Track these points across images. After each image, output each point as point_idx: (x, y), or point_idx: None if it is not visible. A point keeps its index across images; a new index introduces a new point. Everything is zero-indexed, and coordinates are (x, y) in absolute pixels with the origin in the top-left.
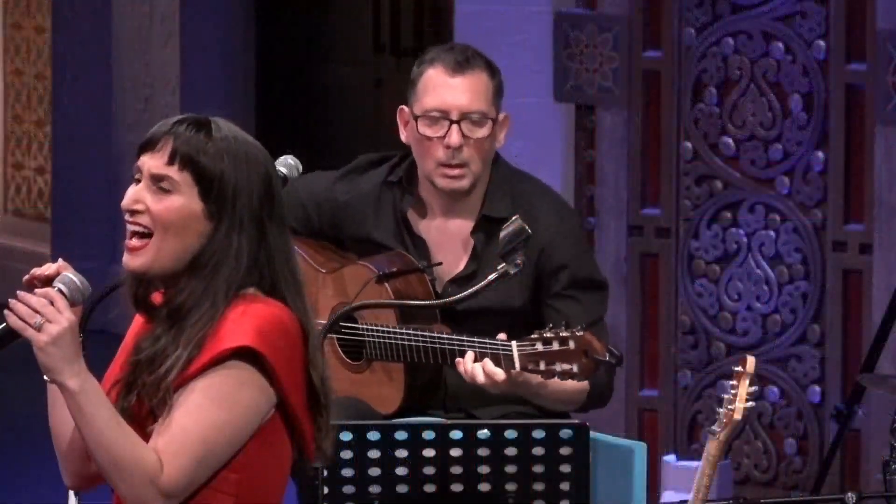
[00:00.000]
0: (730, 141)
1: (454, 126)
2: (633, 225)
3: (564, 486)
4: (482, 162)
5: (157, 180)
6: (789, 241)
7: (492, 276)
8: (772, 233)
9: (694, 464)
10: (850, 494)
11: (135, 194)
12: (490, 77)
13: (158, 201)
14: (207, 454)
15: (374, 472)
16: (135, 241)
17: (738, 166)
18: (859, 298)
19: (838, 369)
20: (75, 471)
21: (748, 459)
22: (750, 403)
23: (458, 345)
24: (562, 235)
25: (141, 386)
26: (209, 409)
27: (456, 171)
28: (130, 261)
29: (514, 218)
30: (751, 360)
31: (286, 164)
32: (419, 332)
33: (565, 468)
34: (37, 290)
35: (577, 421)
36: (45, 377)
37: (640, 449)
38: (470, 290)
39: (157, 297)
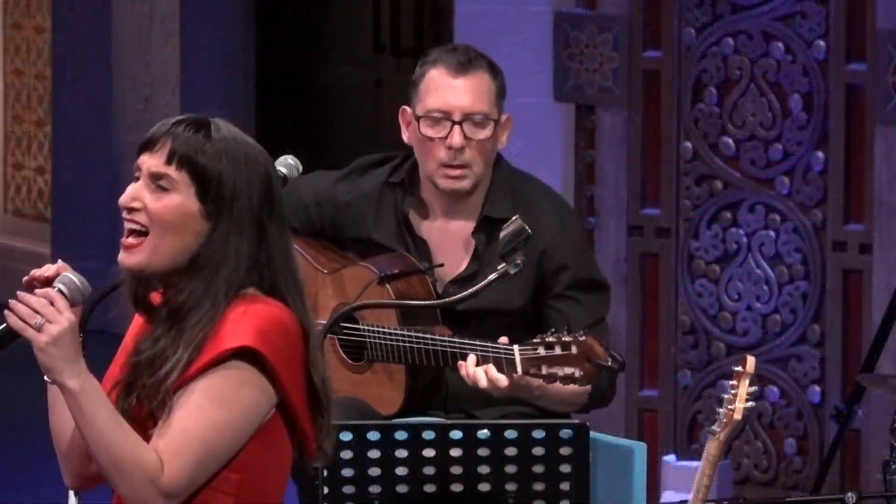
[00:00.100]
0: (730, 141)
1: (456, 127)
2: (633, 225)
3: (564, 486)
4: (484, 163)
5: (155, 179)
6: (789, 241)
7: (492, 276)
8: (772, 233)
9: (694, 464)
10: (850, 494)
11: (133, 192)
12: (492, 78)
13: (156, 199)
14: (208, 454)
15: (374, 472)
16: (131, 240)
17: (738, 166)
18: (859, 298)
19: (838, 369)
20: (76, 471)
21: (748, 459)
22: (750, 403)
23: (460, 348)
24: (563, 236)
25: (141, 388)
26: (209, 410)
27: (457, 172)
28: (126, 258)
29: (514, 218)
30: (751, 360)
31: (286, 164)
32: (421, 335)
33: (565, 468)
34: (37, 291)
35: (577, 421)
36: (45, 378)
37: (640, 449)
38: (470, 291)
39: (156, 298)
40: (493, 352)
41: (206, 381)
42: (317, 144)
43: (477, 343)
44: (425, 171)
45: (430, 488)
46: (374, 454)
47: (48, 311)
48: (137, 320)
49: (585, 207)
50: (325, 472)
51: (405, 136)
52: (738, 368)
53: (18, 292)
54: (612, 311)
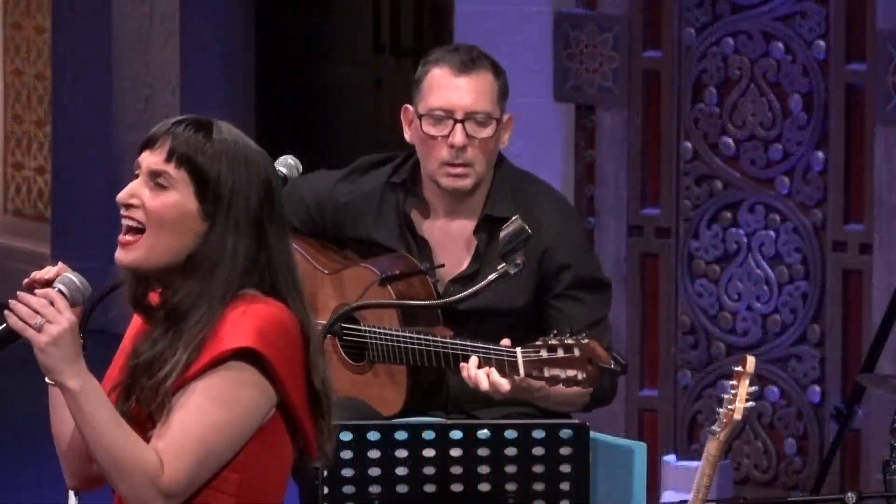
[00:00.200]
0: (730, 141)
1: (458, 125)
2: (633, 225)
3: (564, 486)
4: (486, 162)
5: (154, 176)
6: (789, 241)
7: (492, 277)
8: (772, 233)
9: (694, 464)
10: (850, 494)
11: (131, 189)
12: (495, 78)
13: (154, 197)
14: (208, 454)
15: (374, 472)
16: (128, 237)
17: (738, 166)
18: (859, 298)
19: (838, 369)
20: (77, 472)
21: (748, 459)
22: (750, 403)
23: (462, 349)
24: (565, 236)
25: (139, 390)
26: (209, 410)
27: (459, 171)
28: (123, 256)
29: (514, 218)
30: (751, 360)
31: (286, 164)
32: (422, 336)
33: (565, 468)
34: (37, 291)
35: (577, 421)
36: (46, 380)
37: (640, 449)
38: (470, 291)
39: (154, 298)
40: (495, 354)
41: (205, 381)
42: (317, 144)
43: (479, 345)
44: (427, 170)
45: (430, 488)
46: (374, 454)
47: (48, 312)
48: (136, 321)
49: (585, 207)
50: (325, 472)
51: (407, 135)
52: (738, 368)
53: (18, 292)
54: (613, 311)
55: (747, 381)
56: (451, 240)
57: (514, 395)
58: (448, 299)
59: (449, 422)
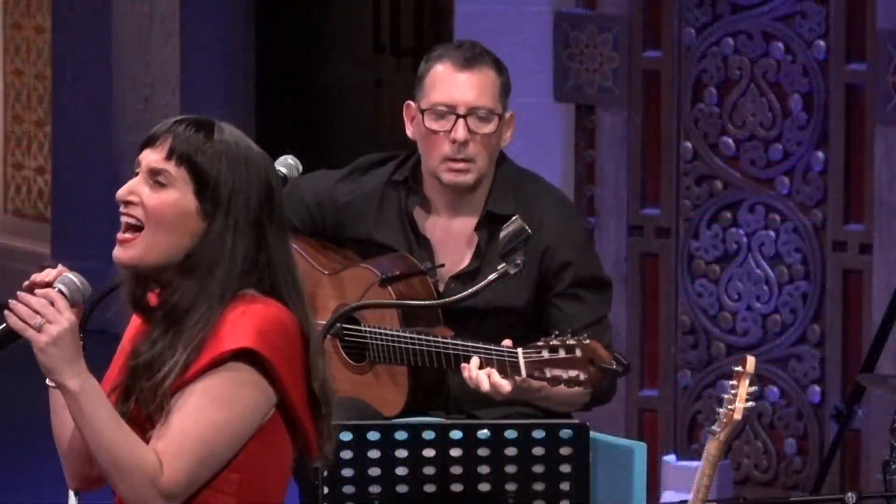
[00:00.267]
0: (730, 141)
1: (461, 121)
2: (633, 225)
3: (564, 486)
4: (488, 158)
5: (153, 174)
6: (789, 241)
7: (492, 277)
8: (772, 233)
9: (694, 464)
10: (850, 494)
11: (130, 186)
12: (498, 74)
13: (153, 195)
14: (208, 454)
15: (374, 472)
16: (126, 235)
17: (738, 166)
18: (859, 298)
19: (838, 369)
20: (78, 473)
21: (748, 459)
22: (750, 403)
23: (463, 350)
24: (566, 234)
25: (139, 391)
26: (209, 410)
27: (461, 165)
28: (121, 253)
29: (514, 218)
30: (751, 360)
31: (286, 164)
32: (423, 337)
33: (565, 468)
34: (37, 291)
35: (577, 421)
36: (47, 382)
37: (640, 449)
38: (469, 291)
39: (152, 299)
40: (496, 354)
41: (205, 382)
42: (317, 144)
43: (480, 345)
44: (429, 166)
45: (430, 488)
46: (374, 454)
47: (48, 312)
48: (135, 322)
49: (585, 207)
50: (325, 472)
51: (409, 132)
52: (738, 368)
53: (18, 292)
54: (613, 311)
55: (747, 381)
56: (452, 237)
57: (515, 395)
58: (448, 299)
59: (449, 422)
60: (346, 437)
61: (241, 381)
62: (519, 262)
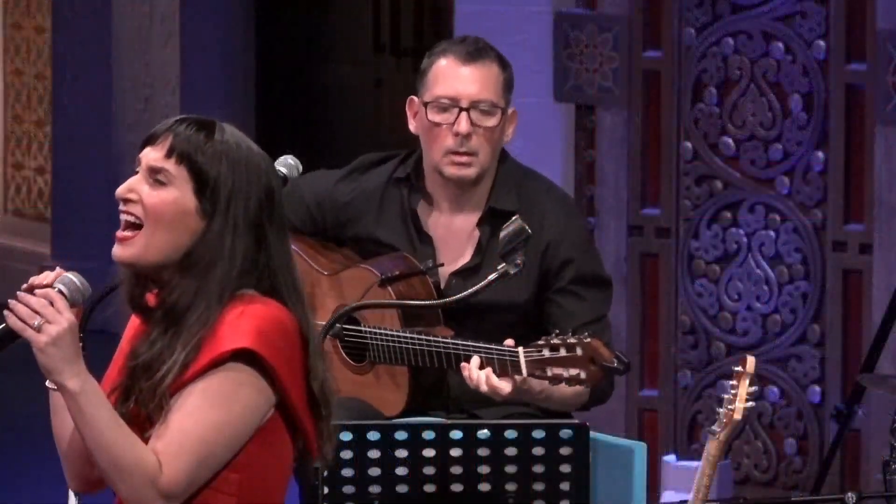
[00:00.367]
0: (730, 141)
1: (463, 114)
2: (633, 225)
3: (564, 486)
4: (490, 151)
5: (153, 172)
6: (789, 241)
7: (492, 277)
8: (772, 233)
9: (694, 464)
10: (850, 494)
11: (130, 184)
12: (501, 69)
13: (152, 193)
14: (207, 455)
15: (374, 472)
16: (125, 232)
17: (738, 166)
18: (859, 298)
19: (838, 369)
20: (79, 474)
21: (748, 459)
22: (750, 403)
23: (464, 350)
24: (568, 232)
25: (138, 392)
26: (208, 410)
27: (464, 159)
28: (120, 251)
29: (514, 218)
30: (751, 360)
31: (286, 164)
32: (423, 337)
33: (565, 468)
34: (37, 291)
35: (577, 421)
36: (46, 384)
37: (640, 449)
38: (469, 291)
39: (151, 299)
40: (497, 354)
41: (204, 382)
42: (317, 144)
43: (481, 345)
44: (431, 160)
45: (430, 488)
46: (374, 454)
47: (48, 312)
48: (133, 323)
49: (585, 207)
50: (325, 472)
51: (412, 126)
52: (738, 368)
53: (18, 292)
54: (613, 311)
55: (747, 381)
56: (454, 234)
57: (516, 396)
58: (448, 299)
59: (449, 422)
60: (346, 437)
61: (241, 381)
62: (519, 262)
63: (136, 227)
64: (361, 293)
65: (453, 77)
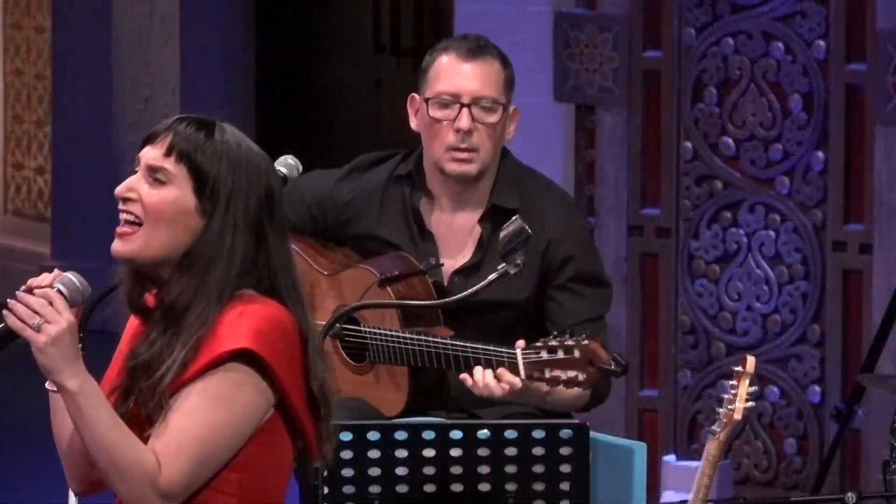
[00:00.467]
0: (730, 141)
1: (465, 110)
2: (633, 225)
3: (564, 486)
4: (492, 148)
5: (153, 171)
6: (789, 241)
7: (492, 277)
8: (772, 233)
9: (694, 464)
10: (850, 494)
11: (129, 183)
12: (503, 67)
13: (152, 192)
14: (206, 455)
15: (374, 472)
16: (126, 228)
17: (738, 166)
18: (859, 298)
19: (838, 369)
20: (80, 476)
21: (748, 459)
22: (750, 403)
23: (462, 350)
24: (569, 229)
25: (138, 392)
26: (207, 411)
27: (465, 155)
28: (120, 246)
29: (514, 218)
30: (751, 360)
31: (286, 164)
32: (423, 337)
33: (565, 468)
34: (36, 291)
35: (577, 421)
36: (46, 386)
37: (640, 449)
38: (469, 291)
39: (150, 300)
40: (495, 355)
41: (203, 382)
42: (317, 144)
43: (479, 346)
44: (432, 157)
45: (430, 488)
46: (374, 454)
47: (47, 312)
48: (132, 324)
49: (585, 207)
50: (325, 472)
51: (413, 124)
52: (738, 368)
53: (17, 292)
54: (612, 311)
55: (747, 381)
56: (456, 231)
57: (520, 397)
58: (448, 299)
59: (449, 422)
60: (346, 437)
61: (240, 381)
62: (519, 262)
63: (135, 225)
64: (361, 293)
65: (455, 73)
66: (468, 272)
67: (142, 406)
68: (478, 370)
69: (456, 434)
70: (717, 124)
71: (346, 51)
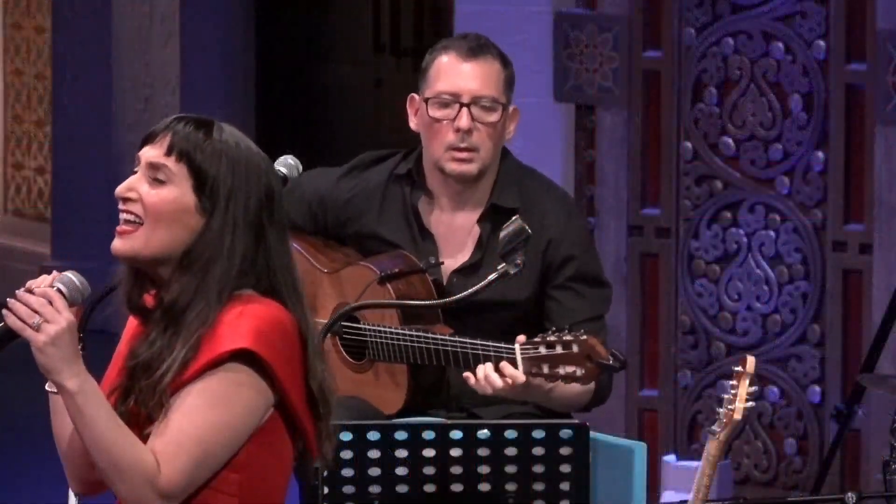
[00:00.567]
0: (730, 141)
1: (464, 109)
2: (633, 225)
3: (564, 486)
4: (492, 148)
5: (153, 171)
6: (789, 241)
7: (491, 277)
8: (772, 233)
9: (694, 464)
10: (850, 494)
11: (129, 183)
12: (503, 66)
13: (152, 191)
14: (206, 455)
15: (374, 472)
16: (126, 227)
17: (738, 166)
18: (859, 298)
19: (838, 369)
20: (80, 476)
21: (748, 459)
22: (750, 403)
23: (462, 346)
24: (569, 229)
25: (138, 391)
26: (206, 411)
27: (465, 155)
28: (120, 244)
29: (514, 218)
30: (751, 360)
31: (286, 164)
32: (422, 334)
33: (565, 468)
34: (36, 290)
35: (577, 421)
36: (46, 387)
37: (640, 449)
38: (469, 291)
39: (149, 300)
40: (494, 351)
41: (203, 382)
42: (317, 144)
43: (478, 342)
44: (432, 157)
45: (430, 488)
46: (374, 454)
47: (47, 311)
48: (131, 324)
49: (585, 207)
50: (325, 472)
51: (412, 124)
52: (738, 368)
53: (17, 292)
54: (612, 311)
55: (747, 381)
56: (455, 230)
57: (521, 396)
58: (447, 299)
59: (449, 422)
60: (346, 437)
61: (240, 381)
62: (519, 262)
63: (136, 225)
64: (361, 291)
65: (455, 73)
66: (468, 272)
67: (142, 405)
68: (480, 366)
69: (456, 434)
70: (717, 124)
71: (346, 51)
